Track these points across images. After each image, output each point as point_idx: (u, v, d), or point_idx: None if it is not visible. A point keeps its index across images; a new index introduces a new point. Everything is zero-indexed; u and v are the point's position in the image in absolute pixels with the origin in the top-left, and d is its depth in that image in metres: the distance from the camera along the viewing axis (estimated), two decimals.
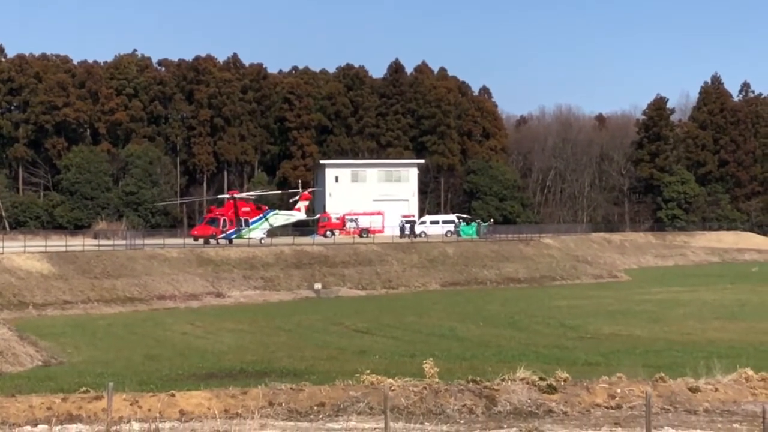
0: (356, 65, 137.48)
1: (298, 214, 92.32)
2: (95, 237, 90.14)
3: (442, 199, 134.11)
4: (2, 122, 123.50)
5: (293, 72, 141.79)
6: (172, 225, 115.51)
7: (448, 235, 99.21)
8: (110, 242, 78.81)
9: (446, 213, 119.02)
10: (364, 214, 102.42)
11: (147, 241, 77.92)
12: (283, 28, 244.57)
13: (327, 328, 49.14)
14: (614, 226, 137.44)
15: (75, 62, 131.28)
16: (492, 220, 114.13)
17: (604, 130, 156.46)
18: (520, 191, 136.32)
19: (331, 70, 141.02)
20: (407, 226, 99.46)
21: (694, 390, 20.88)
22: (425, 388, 20.24)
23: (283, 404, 19.45)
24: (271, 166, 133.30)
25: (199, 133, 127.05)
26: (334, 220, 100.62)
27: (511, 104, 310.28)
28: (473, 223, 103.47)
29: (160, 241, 79.32)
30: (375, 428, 17.94)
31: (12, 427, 18.19)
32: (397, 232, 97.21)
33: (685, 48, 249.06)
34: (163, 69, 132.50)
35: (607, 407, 20.14)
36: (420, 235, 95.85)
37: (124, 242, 77.51)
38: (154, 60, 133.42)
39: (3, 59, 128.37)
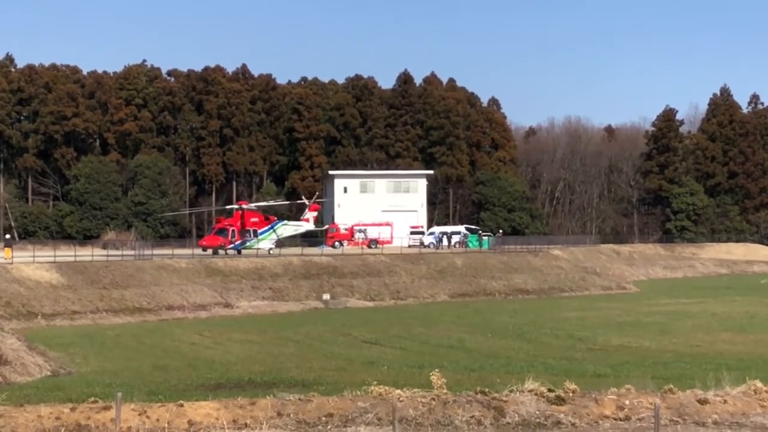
0: (365, 76, 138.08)
1: (307, 225, 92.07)
2: (104, 247, 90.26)
3: (450, 210, 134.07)
4: (12, 132, 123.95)
5: (302, 83, 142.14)
6: (180, 235, 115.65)
7: (457, 246, 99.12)
8: (119, 252, 78.85)
9: (455, 224, 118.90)
10: (373, 224, 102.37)
11: (156, 252, 77.95)
12: (291, 39, 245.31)
13: (335, 338, 49.05)
14: (623, 237, 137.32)
15: (84, 72, 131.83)
16: (501, 231, 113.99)
17: (613, 142, 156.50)
18: (529, 202, 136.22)
19: (340, 80, 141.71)
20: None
21: (703, 402, 20.84)
22: (433, 399, 20.22)
23: (292, 415, 19.44)
24: (280, 176, 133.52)
25: (208, 143, 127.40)
26: (342, 231, 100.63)
27: (520, 115, 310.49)
28: (476, 235, 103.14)
29: (168, 251, 79.34)
30: None
31: None
32: (406, 243, 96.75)
33: (695, 60, 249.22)
34: (173, 79, 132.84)
35: (615, 419, 20.11)
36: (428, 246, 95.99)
37: (132, 252, 77.58)
38: (164, 70, 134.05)
39: (13, 69, 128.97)
